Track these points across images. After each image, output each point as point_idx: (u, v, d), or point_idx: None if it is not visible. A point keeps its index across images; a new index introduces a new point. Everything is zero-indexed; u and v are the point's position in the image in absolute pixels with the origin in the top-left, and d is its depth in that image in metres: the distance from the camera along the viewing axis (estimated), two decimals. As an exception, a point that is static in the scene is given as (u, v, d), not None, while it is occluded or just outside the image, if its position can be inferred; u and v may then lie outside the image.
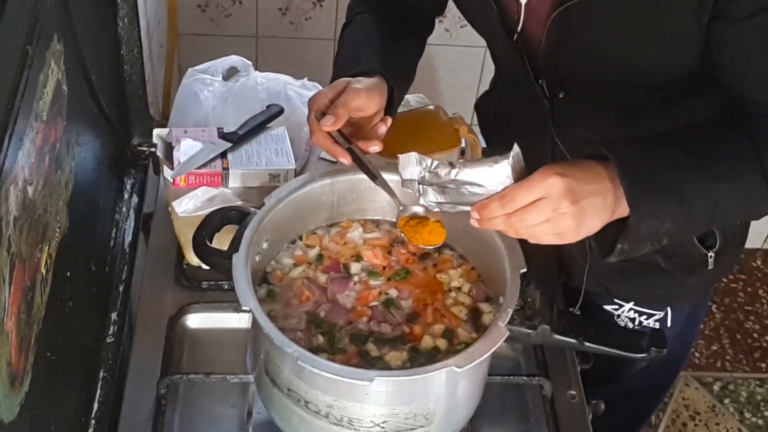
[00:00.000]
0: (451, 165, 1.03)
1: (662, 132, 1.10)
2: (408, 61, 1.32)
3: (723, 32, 1.06)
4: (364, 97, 1.14)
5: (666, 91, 1.19)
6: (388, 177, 1.15)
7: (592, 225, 0.99)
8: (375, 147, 1.15)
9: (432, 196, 1.06)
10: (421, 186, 1.06)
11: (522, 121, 1.37)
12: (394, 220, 1.24)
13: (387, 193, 1.14)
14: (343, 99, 1.13)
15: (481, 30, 1.30)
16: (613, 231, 1.01)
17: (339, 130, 1.13)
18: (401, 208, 1.14)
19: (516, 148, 1.02)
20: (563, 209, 0.96)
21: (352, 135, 1.15)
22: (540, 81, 1.23)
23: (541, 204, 0.96)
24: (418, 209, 1.13)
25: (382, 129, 1.17)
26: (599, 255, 1.05)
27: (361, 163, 1.14)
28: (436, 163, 1.05)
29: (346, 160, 1.14)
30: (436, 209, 1.06)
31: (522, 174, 1.00)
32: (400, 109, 1.57)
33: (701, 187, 1.03)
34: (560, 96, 1.23)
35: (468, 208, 1.01)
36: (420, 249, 1.19)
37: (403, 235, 1.14)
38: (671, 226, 1.02)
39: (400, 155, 1.07)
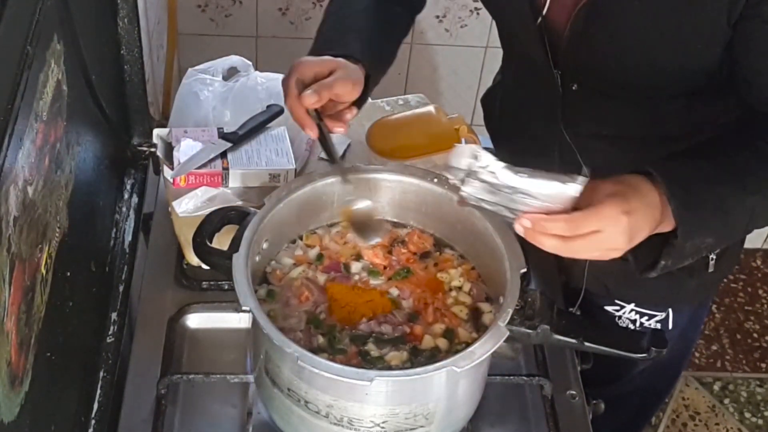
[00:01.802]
0: (514, 170, 0.97)
1: (691, 145, 1.10)
2: (391, 49, 1.30)
3: (753, 32, 1.05)
4: (351, 88, 1.13)
5: (680, 89, 1.19)
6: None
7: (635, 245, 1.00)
8: (340, 129, 1.16)
9: (475, 191, 1.00)
10: (467, 177, 1.00)
11: (530, 112, 1.37)
12: (395, 219, 1.24)
13: (342, 177, 1.16)
14: (330, 82, 1.11)
15: (505, 10, 1.28)
16: (654, 247, 1.01)
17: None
18: (350, 197, 1.15)
19: (587, 173, 0.98)
20: (619, 247, 0.97)
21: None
22: (555, 70, 1.22)
23: (599, 238, 0.96)
24: (365, 204, 1.17)
25: (348, 116, 1.16)
26: (637, 270, 1.05)
27: (324, 142, 1.15)
28: (500, 164, 0.98)
29: (313, 133, 1.13)
30: (473, 203, 1.01)
31: (578, 200, 0.97)
32: (400, 109, 1.57)
33: (740, 201, 1.04)
34: (573, 88, 1.23)
35: (510, 215, 0.98)
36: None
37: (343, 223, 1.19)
38: (712, 241, 1.04)
39: (457, 144, 1.02)
